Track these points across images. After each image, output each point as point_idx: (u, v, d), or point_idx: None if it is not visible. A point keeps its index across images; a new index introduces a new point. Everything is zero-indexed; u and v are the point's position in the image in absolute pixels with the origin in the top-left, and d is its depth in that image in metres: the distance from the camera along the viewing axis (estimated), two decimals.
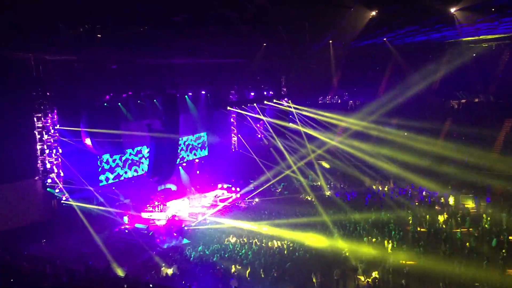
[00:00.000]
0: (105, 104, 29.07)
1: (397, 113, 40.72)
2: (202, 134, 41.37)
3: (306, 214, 30.27)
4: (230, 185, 38.79)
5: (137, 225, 29.69)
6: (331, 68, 45.42)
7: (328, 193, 36.10)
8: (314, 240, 24.99)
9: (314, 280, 20.35)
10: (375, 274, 20.87)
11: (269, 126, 43.15)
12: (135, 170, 34.15)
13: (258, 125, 45.20)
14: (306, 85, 46.07)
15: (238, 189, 37.72)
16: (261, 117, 43.22)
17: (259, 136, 44.83)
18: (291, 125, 44.24)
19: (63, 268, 18.48)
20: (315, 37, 29.98)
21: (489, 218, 27.25)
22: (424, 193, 33.20)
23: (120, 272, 20.56)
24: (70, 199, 26.98)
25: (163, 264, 22.60)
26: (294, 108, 44.79)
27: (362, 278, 20.98)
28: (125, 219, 30.23)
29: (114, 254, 23.72)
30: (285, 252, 23.97)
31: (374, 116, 40.53)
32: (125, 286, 15.38)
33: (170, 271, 21.86)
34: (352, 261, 22.31)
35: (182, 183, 37.79)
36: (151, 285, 16.99)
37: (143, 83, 31.63)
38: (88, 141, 27.91)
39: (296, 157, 40.82)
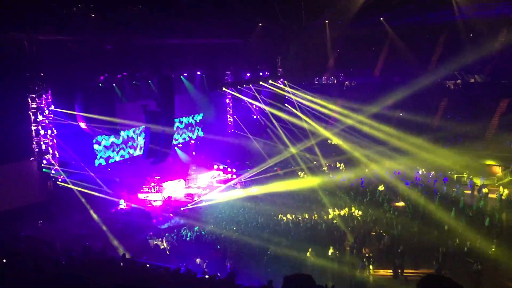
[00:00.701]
0: (100, 85, 28.88)
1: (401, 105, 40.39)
2: (198, 115, 41.25)
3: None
4: (226, 166, 38.83)
5: (133, 205, 29.84)
6: (327, 49, 45.26)
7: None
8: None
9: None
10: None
11: (265, 107, 43.01)
12: (130, 152, 34.11)
13: (254, 106, 45.06)
14: (302, 66, 45.86)
15: (234, 170, 37.78)
16: (254, 101, 43.04)
17: (255, 117, 44.72)
18: (287, 105, 44.13)
19: (60, 249, 18.56)
20: (311, 17, 29.75)
21: None
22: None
23: (121, 251, 20.74)
24: (66, 180, 26.96)
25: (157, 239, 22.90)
26: (290, 87, 44.63)
27: None
28: (122, 202, 30.29)
29: (112, 234, 23.88)
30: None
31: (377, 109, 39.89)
32: (122, 265, 15.47)
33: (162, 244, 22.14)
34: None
35: (179, 163, 37.80)
36: (147, 265, 17.09)
37: (138, 64, 31.40)
38: (82, 123, 27.79)
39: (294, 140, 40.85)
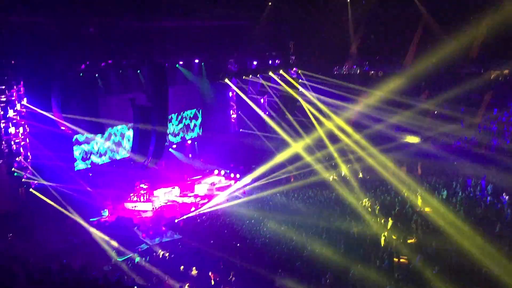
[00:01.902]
0: (81, 74, 29.02)
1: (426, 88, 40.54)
2: (195, 110, 41.42)
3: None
4: (229, 171, 38.91)
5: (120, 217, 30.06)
6: (349, 33, 45.19)
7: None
8: None
9: None
10: None
11: (278, 100, 43.07)
12: (116, 153, 34.33)
13: (262, 100, 45.17)
14: (319, 53, 45.79)
15: (238, 175, 37.87)
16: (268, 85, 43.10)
17: (263, 113, 44.82)
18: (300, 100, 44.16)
19: (34, 267, 18.74)
20: None
21: None
22: None
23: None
24: (40, 187, 27.10)
25: None
26: (305, 78, 44.70)
27: None
28: (105, 212, 30.49)
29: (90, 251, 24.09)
30: None
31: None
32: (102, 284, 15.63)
33: None
34: None
35: (173, 167, 37.96)
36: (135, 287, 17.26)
37: (126, 51, 31.52)
38: (60, 119, 27.95)
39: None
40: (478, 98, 41.31)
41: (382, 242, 24.96)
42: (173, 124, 38.87)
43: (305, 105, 43.76)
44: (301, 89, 44.48)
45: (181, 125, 40.13)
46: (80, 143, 31.65)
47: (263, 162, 36.83)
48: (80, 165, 31.56)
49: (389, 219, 26.84)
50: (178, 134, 39.85)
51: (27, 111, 26.87)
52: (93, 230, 26.93)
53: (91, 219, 29.34)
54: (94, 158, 32.73)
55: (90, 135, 31.85)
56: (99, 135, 32.48)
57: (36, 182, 27.05)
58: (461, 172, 34.13)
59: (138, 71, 32.60)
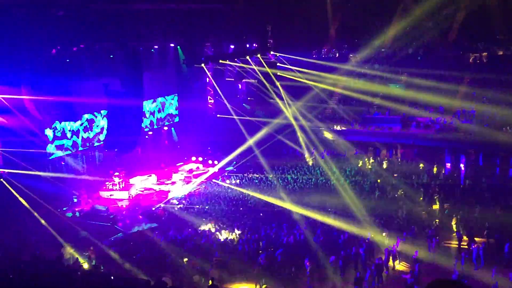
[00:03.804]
0: (52, 59, 28.52)
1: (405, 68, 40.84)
2: (171, 96, 41.09)
3: None
4: (206, 158, 38.78)
5: (97, 206, 29.72)
6: (327, 15, 45.06)
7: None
8: None
9: None
10: None
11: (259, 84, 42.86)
12: (90, 140, 33.92)
13: (239, 85, 44.93)
14: (298, 36, 45.63)
15: (216, 162, 37.75)
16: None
17: (242, 99, 44.66)
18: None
19: (5, 259, 18.49)
20: None
21: None
22: None
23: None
24: (10, 176, 26.68)
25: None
26: (282, 61, 44.58)
27: None
28: (75, 200, 30.16)
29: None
30: None
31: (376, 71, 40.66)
32: (80, 275, 15.47)
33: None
34: None
35: (149, 154, 37.71)
36: (112, 277, 17.10)
37: (99, 34, 31.01)
38: (31, 106, 27.50)
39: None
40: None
41: None
42: (148, 110, 38.48)
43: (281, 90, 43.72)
44: (279, 73, 44.32)
45: (156, 111, 39.76)
46: (53, 130, 31.14)
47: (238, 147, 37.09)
48: (53, 152, 31.10)
49: None
50: (153, 120, 39.49)
51: None
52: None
53: (63, 208, 29.08)
54: (67, 145, 32.26)
55: (62, 122, 31.42)
56: (72, 122, 32.05)
57: (6, 171, 26.59)
58: None
59: (112, 56, 32.14)
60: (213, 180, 34.57)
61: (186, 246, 23.30)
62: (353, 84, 42.38)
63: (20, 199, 26.10)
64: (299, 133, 39.28)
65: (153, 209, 29.82)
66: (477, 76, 39.81)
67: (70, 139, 32.38)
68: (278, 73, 44.09)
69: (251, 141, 36.89)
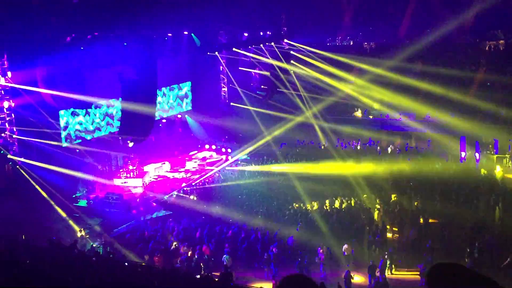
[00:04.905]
0: (66, 47, 28.69)
1: (420, 57, 40.56)
2: (185, 84, 41.19)
3: None
4: (220, 146, 38.95)
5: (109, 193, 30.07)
6: (341, 2, 44.84)
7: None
8: None
9: None
10: None
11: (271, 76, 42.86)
12: (104, 128, 34.18)
13: (253, 73, 44.95)
14: (312, 24, 45.50)
15: (229, 150, 37.93)
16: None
17: (256, 86, 44.68)
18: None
19: (23, 244, 18.74)
20: None
21: None
22: None
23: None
24: (27, 163, 26.96)
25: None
26: (296, 51, 44.46)
27: None
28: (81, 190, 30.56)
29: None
30: None
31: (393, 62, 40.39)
32: (95, 260, 15.69)
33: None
34: None
35: (163, 143, 37.94)
36: (126, 263, 17.33)
37: (113, 22, 31.07)
38: (46, 93, 27.72)
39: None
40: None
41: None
42: (162, 98, 38.63)
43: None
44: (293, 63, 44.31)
45: (171, 99, 39.91)
46: (67, 118, 31.42)
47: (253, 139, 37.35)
48: (67, 140, 31.40)
49: None
50: (167, 108, 39.66)
51: (11, 85, 26.60)
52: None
53: (74, 195, 29.47)
54: (82, 133, 32.54)
55: (76, 110, 31.68)
56: (85, 110, 32.31)
57: (22, 159, 26.89)
58: None
59: (125, 44, 32.25)
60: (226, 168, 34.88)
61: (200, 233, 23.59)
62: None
63: (36, 186, 26.48)
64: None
65: (166, 197, 30.09)
66: None
67: (84, 127, 32.66)
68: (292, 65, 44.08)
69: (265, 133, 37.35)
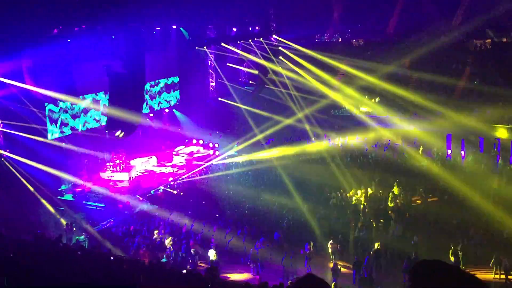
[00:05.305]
0: (53, 39, 28.46)
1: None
2: (173, 78, 41.06)
3: None
4: (207, 141, 38.91)
5: (95, 189, 29.94)
6: None
7: None
8: None
9: None
10: None
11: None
12: (90, 122, 34.02)
13: (242, 68, 44.92)
14: (300, 20, 45.51)
15: (216, 145, 37.91)
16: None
17: (244, 81, 44.68)
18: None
19: (7, 238, 18.66)
20: None
21: None
22: None
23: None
24: (11, 157, 26.75)
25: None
26: (284, 47, 44.50)
27: None
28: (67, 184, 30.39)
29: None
30: None
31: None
32: (80, 254, 15.67)
33: None
34: None
35: (150, 137, 37.83)
36: (111, 258, 17.30)
37: (100, 14, 30.85)
38: (32, 86, 27.51)
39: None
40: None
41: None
42: (150, 92, 38.50)
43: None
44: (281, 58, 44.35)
45: (158, 93, 39.78)
46: (53, 111, 31.21)
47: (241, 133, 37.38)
48: (54, 134, 31.20)
49: None
50: (155, 102, 39.54)
51: None
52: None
53: (59, 188, 29.34)
54: (68, 126, 32.34)
55: (63, 103, 31.48)
56: (72, 103, 32.12)
57: (7, 152, 26.65)
58: None
59: (113, 37, 32.07)
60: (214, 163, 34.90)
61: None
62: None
63: (21, 178, 26.30)
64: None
65: (152, 192, 30.06)
66: None
67: (70, 120, 32.47)
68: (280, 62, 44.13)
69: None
